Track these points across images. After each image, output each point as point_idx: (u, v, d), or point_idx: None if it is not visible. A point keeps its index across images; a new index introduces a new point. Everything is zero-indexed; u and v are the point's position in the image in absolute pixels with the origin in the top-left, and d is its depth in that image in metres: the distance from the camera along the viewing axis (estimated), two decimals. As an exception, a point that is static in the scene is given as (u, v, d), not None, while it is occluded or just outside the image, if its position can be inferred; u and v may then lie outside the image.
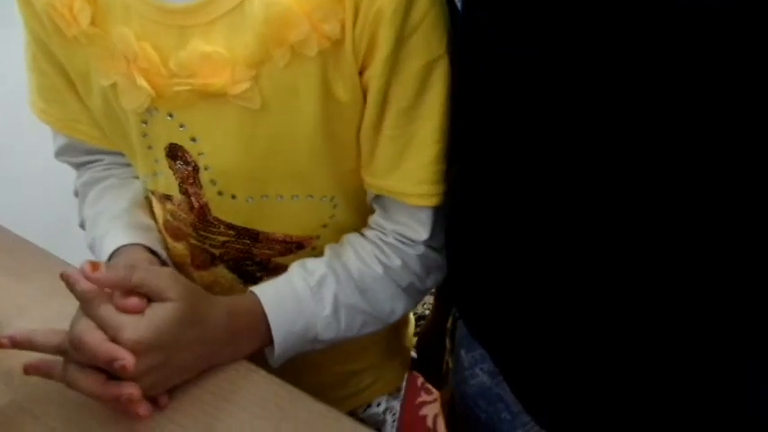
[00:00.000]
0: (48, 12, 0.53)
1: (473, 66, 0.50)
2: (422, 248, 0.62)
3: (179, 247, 0.67)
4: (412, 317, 0.90)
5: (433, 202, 0.59)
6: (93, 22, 0.53)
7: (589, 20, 0.40)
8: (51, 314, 0.57)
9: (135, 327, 0.48)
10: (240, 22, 0.51)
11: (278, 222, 0.63)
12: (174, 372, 0.52)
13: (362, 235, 0.63)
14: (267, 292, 0.58)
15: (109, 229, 0.62)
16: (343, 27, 0.51)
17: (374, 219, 0.64)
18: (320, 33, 0.50)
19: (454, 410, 0.73)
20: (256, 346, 0.57)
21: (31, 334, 0.51)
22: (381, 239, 0.62)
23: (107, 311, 0.48)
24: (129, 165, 0.68)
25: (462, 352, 0.67)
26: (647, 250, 0.44)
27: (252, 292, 0.58)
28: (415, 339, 0.92)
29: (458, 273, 0.61)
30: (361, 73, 0.54)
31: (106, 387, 0.48)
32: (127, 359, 0.47)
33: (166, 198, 0.63)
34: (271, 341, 0.57)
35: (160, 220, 0.67)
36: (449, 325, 0.73)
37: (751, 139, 0.38)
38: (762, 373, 0.47)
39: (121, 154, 0.67)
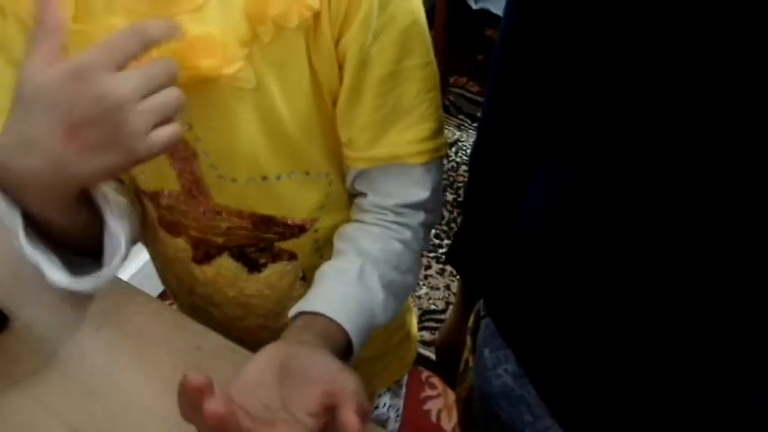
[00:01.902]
0: (18, 14, 0.51)
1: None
2: (422, 215, 0.63)
3: (179, 242, 0.66)
4: (414, 307, 0.90)
5: (426, 158, 0.59)
6: (74, 19, 0.50)
7: None
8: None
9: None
10: (227, 2, 0.50)
11: (279, 204, 0.62)
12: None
13: (366, 224, 0.62)
14: (333, 309, 0.54)
15: None
16: None
17: (368, 201, 0.62)
18: (300, 4, 0.50)
19: (470, 408, 0.72)
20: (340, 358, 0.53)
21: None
22: (384, 220, 0.62)
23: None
24: None
25: (486, 351, 0.66)
26: (673, 258, 0.43)
27: (317, 313, 0.54)
28: (418, 332, 0.91)
29: (489, 270, 0.61)
30: (337, 43, 0.54)
31: None
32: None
33: (160, 195, 0.62)
34: (352, 349, 0.55)
35: (155, 218, 0.65)
36: (470, 324, 0.72)
37: None
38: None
39: None
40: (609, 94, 0.42)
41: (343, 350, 0.53)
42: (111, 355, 0.59)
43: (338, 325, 0.53)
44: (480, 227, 0.63)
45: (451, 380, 0.78)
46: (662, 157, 0.41)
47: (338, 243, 0.62)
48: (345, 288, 0.57)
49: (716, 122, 0.38)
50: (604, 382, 0.52)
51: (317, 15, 0.51)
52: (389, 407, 0.94)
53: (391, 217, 0.61)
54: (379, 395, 0.92)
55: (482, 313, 0.69)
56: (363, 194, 0.63)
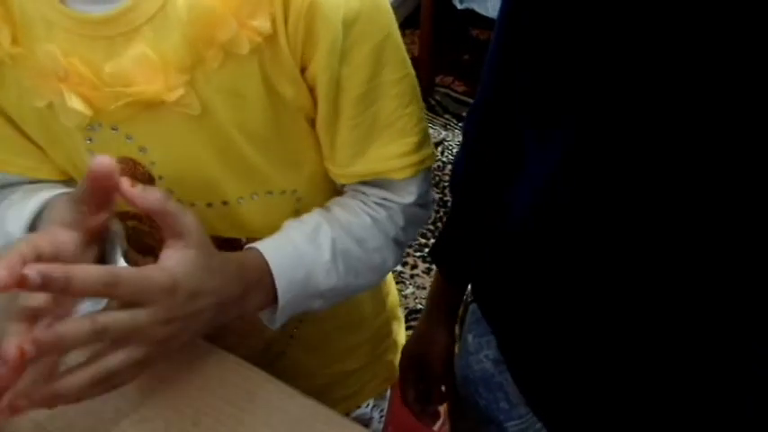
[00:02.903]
0: None
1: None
2: (409, 198, 0.62)
3: (149, 262, 0.65)
4: (402, 316, 0.90)
5: (409, 173, 0.59)
6: (14, 41, 0.51)
7: None
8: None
9: (165, 258, 0.47)
10: (165, 25, 0.50)
11: (242, 226, 0.62)
12: (192, 323, 0.49)
13: (344, 195, 0.63)
14: (266, 244, 0.57)
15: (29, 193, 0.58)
16: (274, 21, 0.50)
17: (351, 188, 0.63)
18: (249, 29, 0.49)
19: (458, 394, 0.74)
20: (261, 302, 0.56)
21: (59, 330, 0.42)
22: (363, 200, 0.62)
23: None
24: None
25: (470, 337, 0.68)
26: (658, 251, 0.45)
27: (252, 247, 0.57)
28: (405, 331, 0.92)
29: (475, 252, 0.62)
30: (303, 69, 0.53)
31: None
32: (22, 348, 0.40)
33: (124, 215, 0.61)
34: (274, 299, 0.56)
35: (122, 236, 0.64)
36: (460, 313, 0.73)
37: None
38: (760, 374, 0.47)
39: (62, 182, 0.63)
40: (598, 79, 0.43)
41: (267, 291, 0.55)
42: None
43: (266, 263, 0.54)
44: (469, 228, 0.64)
45: (410, 393, 0.77)
46: (645, 149, 0.42)
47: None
48: (293, 236, 0.57)
49: (701, 116, 0.39)
50: (583, 373, 0.53)
51: (272, 38, 0.50)
52: (373, 407, 0.94)
53: (372, 199, 0.62)
54: (366, 404, 0.92)
55: (468, 299, 0.69)
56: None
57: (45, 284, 0.40)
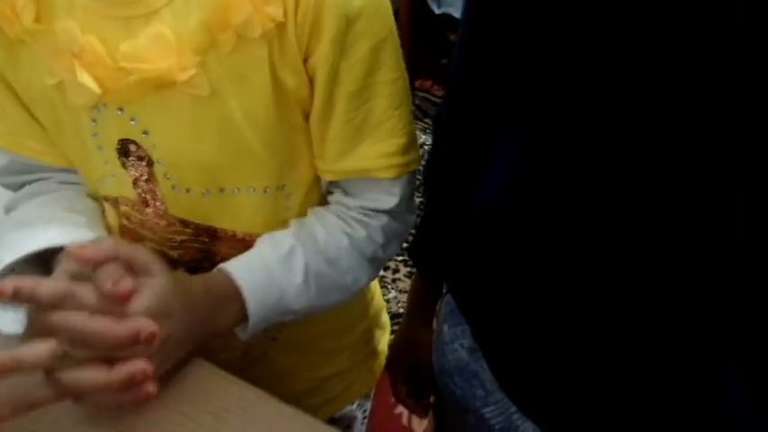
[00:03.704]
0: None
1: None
2: (385, 218, 0.64)
3: None
4: (388, 321, 0.91)
5: (396, 173, 0.60)
6: (37, 19, 0.53)
7: None
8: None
9: (139, 297, 0.49)
10: (184, 8, 0.52)
11: (235, 218, 0.63)
12: (174, 348, 0.53)
13: (327, 209, 0.65)
14: (237, 265, 0.59)
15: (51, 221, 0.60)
16: (285, 10, 0.52)
17: (335, 198, 0.65)
18: (263, 15, 0.51)
19: (436, 385, 0.75)
20: (233, 320, 0.58)
21: (19, 353, 0.47)
22: (345, 214, 0.64)
23: (97, 294, 0.48)
24: (78, 183, 0.67)
25: (445, 327, 0.69)
26: (622, 238, 0.46)
27: (221, 268, 0.59)
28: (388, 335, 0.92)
29: (460, 247, 0.63)
30: (306, 60, 0.55)
31: (116, 371, 0.48)
32: (151, 325, 0.47)
33: (119, 201, 0.63)
34: (246, 316, 0.58)
35: (116, 227, 0.67)
36: (438, 307, 0.74)
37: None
38: (737, 373, 0.48)
39: (69, 171, 0.66)
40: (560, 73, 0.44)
41: (237, 311, 0.57)
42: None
43: (237, 287, 0.57)
44: (441, 222, 0.64)
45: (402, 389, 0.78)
46: (610, 137, 0.43)
47: (299, 218, 0.64)
48: (267, 258, 0.59)
49: (663, 102, 0.40)
50: (555, 358, 0.54)
51: (281, 27, 0.52)
52: (357, 405, 0.95)
53: (353, 214, 0.63)
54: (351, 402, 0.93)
55: (444, 290, 0.70)
56: (332, 192, 0.66)
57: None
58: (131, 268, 0.50)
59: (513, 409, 0.62)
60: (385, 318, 0.88)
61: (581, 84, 0.43)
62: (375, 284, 0.84)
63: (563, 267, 0.50)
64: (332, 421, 0.86)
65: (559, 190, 0.48)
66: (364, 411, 0.97)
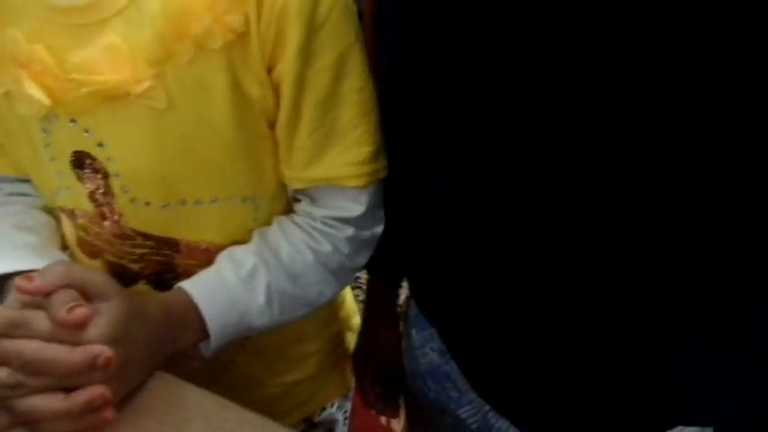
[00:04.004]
0: None
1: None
2: (351, 230, 0.63)
3: (96, 266, 0.66)
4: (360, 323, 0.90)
5: (364, 182, 0.60)
6: None
7: None
8: None
9: (95, 325, 0.48)
10: (137, 17, 0.50)
11: (199, 230, 0.62)
12: (133, 371, 0.52)
13: (292, 220, 0.64)
14: (197, 285, 0.59)
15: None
16: (247, 20, 0.51)
17: (301, 207, 0.64)
18: (223, 25, 0.50)
19: (410, 389, 0.75)
20: (194, 339, 0.58)
21: None
22: (310, 225, 0.63)
23: (50, 322, 0.48)
24: (31, 195, 0.66)
25: (413, 331, 0.70)
26: (569, 241, 0.46)
27: (180, 288, 0.58)
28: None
29: (409, 249, 0.63)
30: (270, 69, 0.55)
31: (74, 397, 0.47)
32: (107, 350, 0.47)
33: (78, 213, 0.62)
34: (206, 334, 0.58)
35: (73, 239, 0.65)
36: (403, 309, 0.73)
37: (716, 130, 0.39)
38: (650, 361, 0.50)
39: (22, 181, 0.64)
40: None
41: (197, 330, 0.57)
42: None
43: (197, 309, 0.56)
44: (389, 224, 0.64)
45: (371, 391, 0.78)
46: (545, 135, 0.44)
47: (263, 230, 0.63)
48: (228, 279, 0.59)
49: (592, 108, 0.41)
50: (517, 353, 0.55)
51: (243, 36, 0.51)
52: (338, 407, 0.95)
53: (319, 225, 0.63)
54: (332, 404, 0.92)
55: (407, 295, 0.70)
56: (298, 200, 0.65)
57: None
58: (85, 293, 0.50)
59: (488, 407, 0.63)
60: (357, 320, 0.87)
61: (515, 83, 0.44)
62: (346, 288, 0.83)
63: (509, 267, 0.50)
64: (312, 425, 0.86)
65: (501, 186, 0.48)
66: (345, 413, 0.97)
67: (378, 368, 0.76)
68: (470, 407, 0.64)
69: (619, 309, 0.47)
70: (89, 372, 0.47)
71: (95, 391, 0.47)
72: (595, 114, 0.41)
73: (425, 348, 0.67)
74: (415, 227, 0.60)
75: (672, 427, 0.55)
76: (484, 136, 0.47)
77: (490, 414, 0.63)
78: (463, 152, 0.50)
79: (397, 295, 0.74)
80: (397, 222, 0.61)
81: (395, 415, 0.80)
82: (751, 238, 0.42)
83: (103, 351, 0.47)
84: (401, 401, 0.80)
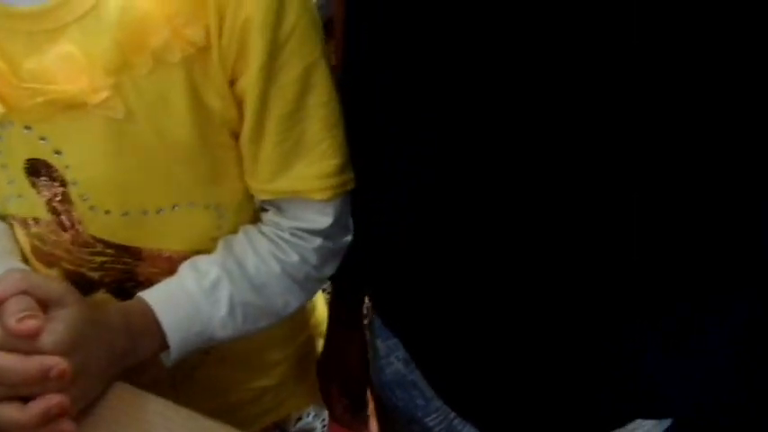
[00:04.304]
0: None
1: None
2: (319, 241, 0.62)
3: (52, 275, 0.64)
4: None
5: (330, 195, 0.59)
6: None
7: None
8: None
9: (50, 332, 0.48)
10: (95, 26, 0.50)
11: (161, 238, 0.61)
12: (91, 380, 0.51)
13: (259, 230, 0.63)
14: (158, 296, 0.58)
15: None
16: (208, 33, 0.51)
17: (268, 217, 0.64)
18: (182, 39, 0.50)
19: (380, 400, 0.75)
20: (154, 349, 0.57)
21: None
22: (278, 236, 0.62)
23: (3, 331, 0.47)
24: None
25: (378, 342, 0.70)
26: (546, 245, 0.47)
27: (141, 298, 0.58)
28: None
29: (374, 259, 0.63)
30: (233, 82, 0.54)
31: (31, 407, 0.46)
32: (62, 362, 0.46)
33: (31, 222, 0.61)
34: (167, 344, 0.57)
35: (27, 247, 0.64)
36: (367, 319, 0.74)
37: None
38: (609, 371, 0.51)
39: None
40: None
41: (158, 339, 0.57)
42: None
43: (157, 320, 0.56)
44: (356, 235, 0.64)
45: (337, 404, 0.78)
46: (505, 142, 0.44)
47: (228, 238, 0.63)
48: (190, 290, 0.58)
49: (549, 119, 0.42)
50: (479, 360, 0.56)
51: (204, 50, 0.51)
52: (314, 416, 0.94)
53: (286, 236, 0.62)
54: (308, 414, 0.92)
55: (370, 304, 0.71)
56: (266, 210, 0.64)
57: None
58: (42, 300, 0.49)
59: (453, 414, 0.63)
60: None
61: (474, 94, 0.44)
62: (318, 294, 0.82)
63: (469, 274, 0.51)
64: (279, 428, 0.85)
65: (455, 200, 0.49)
66: (323, 421, 0.96)
67: (343, 379, 0.76)
68: (437, 414, 0.65)
69: (577, 307, 0.48)
70: (43, 382, 0.46)
71: (52, 401, 0.46)
72: (554, 125, 0.42)
73: (390, 358, 0.67)
74: (376, 238, 0.60)
75: (631, 420, 0.55)
76: (444, 147, 0.48)
77: (456, 421, 0.63)
78: (423, 163, 0.50)
79: (361, 306, 0.74)
80: (359, 233, 0.61)
81: (363, 428, 0.80)
82: (707, 237, 0.43)
83: (58, 363, 0.46)
84: (369, 413, 0.79)
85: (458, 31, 0.43)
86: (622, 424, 0.56)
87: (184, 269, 0.60)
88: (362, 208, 0.60)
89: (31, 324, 0.46)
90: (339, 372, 0.75)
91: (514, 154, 0.44)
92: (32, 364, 0.46)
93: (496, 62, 0.42)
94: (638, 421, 0.56)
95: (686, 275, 0.45)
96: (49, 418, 0.46)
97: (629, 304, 0.47)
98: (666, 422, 0.56)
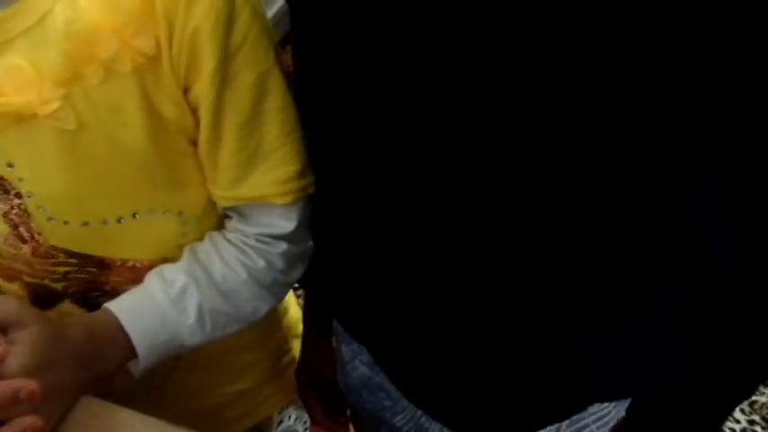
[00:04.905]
0: None
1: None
2: (284, 245, 0.63)
3: (14, 288, 0.65)
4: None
5: (291, 199, 0.60)
6: None
7: None
8: None
9: (14, 355, 0.48)
10: (42, 38, 0.50)
11: (124, 246, 0.61)
12: (60, 397, 0.52)
13: (225, 237, 0.64)
14: (124, 305, 0.58)
15: None
16: (158, 43, 0.51)
17: (232, 225, 0.64)
18: (132, 49, 0.50)
19: (350, 404, 0.76)
20: (121, 360, 0.58)
21: None
22: (243, 242, 0.63)
23: None
24: None
25: (342, 347, 0.70)
26: (495, 234, 0.47)
27: (106, 309, 0.58)
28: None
29: (330, 265, 0.64)
30: (186, 90, 0.54)
31: (5, 430, 0.46)
32: (30, 383, 0.47)
33: None
34: (134, 354, 0.57)
35: None
36: (334, 326, 0.73)
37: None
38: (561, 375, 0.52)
39: None
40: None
41: (125, 348, 0.57)
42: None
43: (123, 330, 0.56)
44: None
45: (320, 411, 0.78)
46: (448, 158, 0.45)
47: (194, 246, 0.63)
48: (157, 299, 0.59)
49: (491, 120, 0.42)
50: (438, 356, 0.56)
51: (155, 60, 0.51)
52: (296, 419, 0.94)
53: (252, 242, 0.62)
54: (282, 410, 0.92)
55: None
56: (230, 217, 0.64)
57: None
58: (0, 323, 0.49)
59: (420, 413, 0.64)
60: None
61: (416, 100, 0.44)
62: (290, 295, 0.82)
63: (421, 272, 0.51)
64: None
65: (403, 202, 0.49)
66: (305, 423, 0.97)
67: (319, 386, 0.76)
68: (404, 414, 0.66)
69: (530, 296, 0.49)
70: (13, 405, 0.46)
71: (26, 422, 0.47)
72: (490, 122, 0.42)
73: (355, 362, 0.67)
74: (330, 243, 0.60)
75: (589, 404, 0.57)
76: (389, 152, 0.48)
77: (423, 419, 0.64)
78: (369, 169, 0.50)
79: (330, 313, 0.74)
80: (314, 239, 0.62)
81: (344, 430, 0.80)
82: (652, 222, 0.44)
83: (26, 384, 0.46)
84: (348, 415, 0.80)
85: (399, 38, 0.43)
86: (585, 408, 0.57)
87: (151, 278, 0.60)
88: (315, 213, 0.61)
89: None
90: (314, 377, 0.76)
91: (457, 157, 0.45)
92: (1, 388, 0.46)
93: (436, 68, 0.42)
94: (597, 405, 0.57)
95: (634, 261, 0.46)
96: None
97: (580, 288, 0.48)
98: (626, 402, 0.57)
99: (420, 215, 0.49)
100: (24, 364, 0.48)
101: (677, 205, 0.42)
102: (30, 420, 0.47)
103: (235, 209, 0.62)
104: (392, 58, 0.44)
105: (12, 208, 0.57)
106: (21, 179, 0.55)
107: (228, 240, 0.63)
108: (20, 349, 0.48)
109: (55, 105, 0.50)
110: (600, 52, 0.37)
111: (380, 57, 0.45)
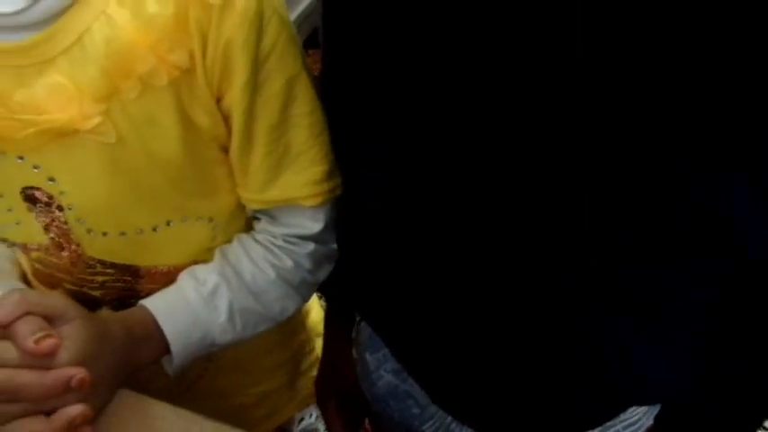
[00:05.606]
0: None
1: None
2: (312, 246, 0.64)
3: (54, 294, 0.66)
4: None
5: (320, 201, 0.61)
6: None
7: None
8: None
9: (65, 348, 0.50)
10: (81, 57, 0.51)
11: (159, 254, 0.63)
12: (103, 389, 0.54)
13: (253, 238, 0.65)
14: (158, 305, 0.60)
15: None
16: (192, 56, 0.52)
17: (261, 226, 0.66)
18: (168, 64, 0.51)
19: (375, 413, 0.76)
20: (156, 355, 0.60)
21: None
22: (272, 243, 0.64)
23: (18, 349, 0.49)
24: None
25: (367, 355, 0.71)
26: (516, 233, 0.47)
27: (142, 306, 0.60)
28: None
29: (356, 268, 0.64)
30: (219, 99, 0.56)
31: (55, 417, 0.49)
32: (81, 371, 0.49)
33: (30, 246, 0.62)
34: (168, 350, 0.60)
35: (29, 270, 0.66)
36: (354, 335, 0.75)
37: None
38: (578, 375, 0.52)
39: None
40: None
41: (159, 345, 0.59)
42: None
43: (159, 327, 0.58)
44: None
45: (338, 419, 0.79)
46: (449, 161, 0.46)
47: (224, 247, 0.65)
48: (190, 298, 0.61)
49: (492, 118, 0.43)
50: (469, 361, 0.57)
51: (190, 71, 0.53)
52: (317, 417, 0.96)
53: (280, 242, 0.64)
54: (302, 408, 0.94)
55: (357, 319, 0.71)
56: (258, 219, 0.66)
57: None
58: (46, 317, 0.50)
59: (449, 419, 0.65)
60: None
61: (421, 103, 0.45)
62: (312, 298, 0.82)
63: (445, 274, 0.52)
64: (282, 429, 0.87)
65: (416, 203, 0.50)
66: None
67: (339, 395, 0.77)
68: (433, 421, 0.66)
69: (543, 298, 0.49)
70: (64, 394, 0.48)
71: (76, 411, 0.49)
72: (491, 120, 0.43)
73: (380, 371, 0.68)
74: (353, 245, 0.61)
75: (624, 409, 0.57)
76: (393, 151, 0.49)
77: (453, 425, 0.64)
78: (381, 168, 0.51)
79: (352, 319, 0.75)
80: (339, 242, 0.63)
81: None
82: (653, 222, 0.43)
83: (77, 372, 0.49)
84: (367, 426, 0.81)
85: (398, 38, 0.44)
86: (616, 414, 0.57)
87: (183, 278, 0.62)
88: (339, 214, 0.62)
89: (50, 343, 0.48)
90: (336, 383, 0.77)
91: (457, 158, 0.45)
92: (53, 376, 0.48)
93: (435, 68, 0.43)
94: (631, 410, 0.58)
95: (633, 255, 0.45)
96: (74, 427, 0.49)
97: (613, 292, 0.48)
98: (655, 408, 0.58)
99: (430, 217, 0.49)
100: (73, 357, 0.50)
101: (681, 203, 0.42)
102: (80, 409, 0.49)
103: (264, 211, 0.64)
104: (392, 57, 0.45)
105: (53, 220, 0.59)
106: (62, 192, 0.57)
107: (257, 241, 0.65)
108: (68, 343, 0.50)
109: (96, 120, 0.52)
110: (600, 52, 0.37)
111: (380, 57, 0.46)
